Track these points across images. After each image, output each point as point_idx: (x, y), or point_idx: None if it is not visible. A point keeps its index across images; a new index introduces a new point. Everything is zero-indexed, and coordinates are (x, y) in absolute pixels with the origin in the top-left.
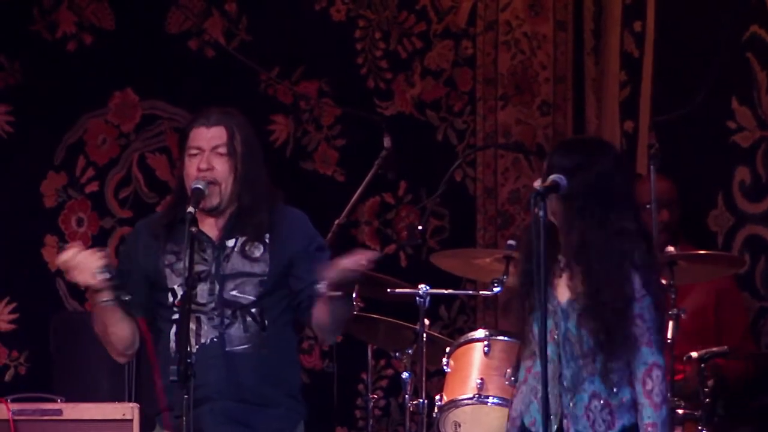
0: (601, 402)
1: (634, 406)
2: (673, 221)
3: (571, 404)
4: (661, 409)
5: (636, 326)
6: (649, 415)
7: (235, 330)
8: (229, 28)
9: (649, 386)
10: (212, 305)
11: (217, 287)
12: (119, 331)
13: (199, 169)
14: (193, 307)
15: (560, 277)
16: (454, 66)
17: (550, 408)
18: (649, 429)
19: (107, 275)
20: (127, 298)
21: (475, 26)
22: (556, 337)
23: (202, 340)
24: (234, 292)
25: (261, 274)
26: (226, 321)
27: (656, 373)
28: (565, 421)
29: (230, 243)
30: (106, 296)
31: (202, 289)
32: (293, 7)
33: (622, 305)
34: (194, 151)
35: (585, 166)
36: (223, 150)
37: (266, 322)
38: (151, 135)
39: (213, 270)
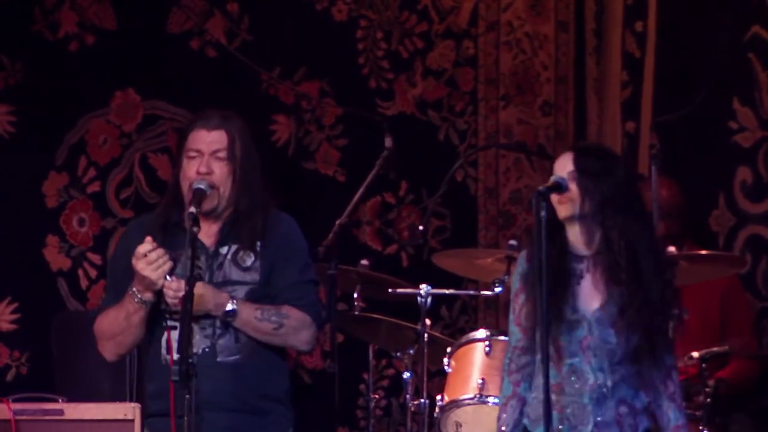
0: (628, 407)
1: (648, 409)
2: (677, 230)
3: (601, 412)
4: (682, 410)
5: (659, 331)
6: (677, 417)
7: (226, 340)
8: (231, 28)
9: (671, 389)
10: (203, 314)
11: None
12: (138, 332)
13: (198, 173)
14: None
15: (578, 285)
16: (456, 66)
17: (576, 419)
18: (682, 430)
19: (168, 280)
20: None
21: (476, 26)
22: (586, 346)
23: (194, 350)
24: None
25: (252, 282)
26: (218, 331)
27: (674, 374)
28: (595, 430)
29: (223, 251)
30: (148, 296)
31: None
32: (295, 7)
33: (665, 307)
34: (193, 154)
35: (615, 167)
36: (223, 155)
37: None
38: (152, 135)
39: (206, 278)
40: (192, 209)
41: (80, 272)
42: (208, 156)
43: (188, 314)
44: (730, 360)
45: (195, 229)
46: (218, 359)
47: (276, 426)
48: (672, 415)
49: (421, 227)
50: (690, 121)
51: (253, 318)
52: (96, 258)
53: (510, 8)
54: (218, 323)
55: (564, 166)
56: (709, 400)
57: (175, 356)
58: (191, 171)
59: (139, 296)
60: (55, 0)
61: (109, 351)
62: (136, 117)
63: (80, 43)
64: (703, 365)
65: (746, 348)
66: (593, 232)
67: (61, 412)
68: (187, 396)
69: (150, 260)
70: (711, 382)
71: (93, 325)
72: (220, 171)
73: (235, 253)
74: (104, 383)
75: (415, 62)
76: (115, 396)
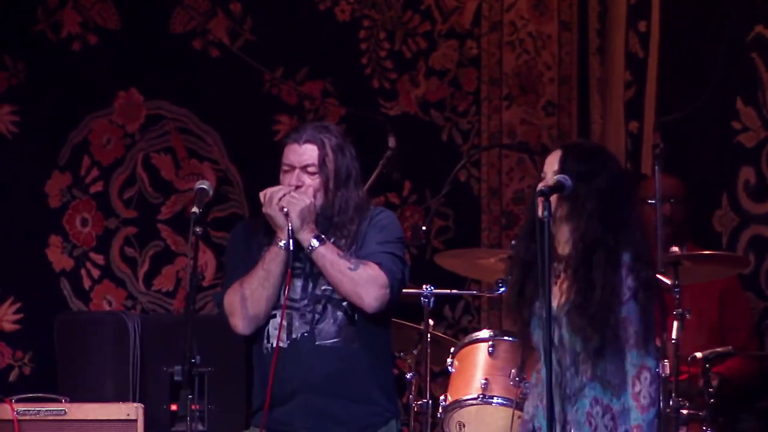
0: (603, 407)
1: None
2: (678, 217)
3: (573, 411)
4: (648, 411)
5: (623, 329)
6: (635, 418)
7: (325, 324)
8: (234, 28)
9: (637, 388)
10: (305, 302)
11: (310, 284)
12: (276, 283)
13: (289, 185)
14: (288, 303)
15: (555, 284)
16: (459, 66)
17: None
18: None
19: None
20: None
21: (479, 26)
22: (555, 343)
23: (294, 335)
24: (325, 287)
25: None
26: (317, 316)
27: (645, 375)
28: (568, 427)
29: (320, 241)
30: (283, 237)
31: (296, 286)
32: (297, 7)
33: (611, 303)
34: (286, 168)
35: (599, 171)
36: (313, 169)
37: (356, 316)
38: (155, 135)
39: (307, 268)
40: (194, 209)
41: (83, 272)
42: (299, 170)
43: (191, 314)
44: (732, 359)
45: (197, 229)
46: (316, 343)
47: (375, 416)
48: (632, 414)
49: (424, 227)
50: (693, 120)
51: (335, 253)
52: (99, 258)
53: (513, 8)
54: (318, 308)
55: (551, 164)
56: (712, 400)
57: (281, 342)
58: (284, 184)
59: (278, 243)
60: (58, 0)
61: (243, 317)
62: (139, 117)
63: (83, 43)
64: (707, 365)
65: (747, 347)
66: (571, 233)
67: (63, 412)
68: (190, 396)
69: (268, 202)
70: (714, 383)
71: (223, 304)
72: (310, 183)
73: (334, 243)
74: (107, 383)
75: (418, 62)
76: (118, 396)
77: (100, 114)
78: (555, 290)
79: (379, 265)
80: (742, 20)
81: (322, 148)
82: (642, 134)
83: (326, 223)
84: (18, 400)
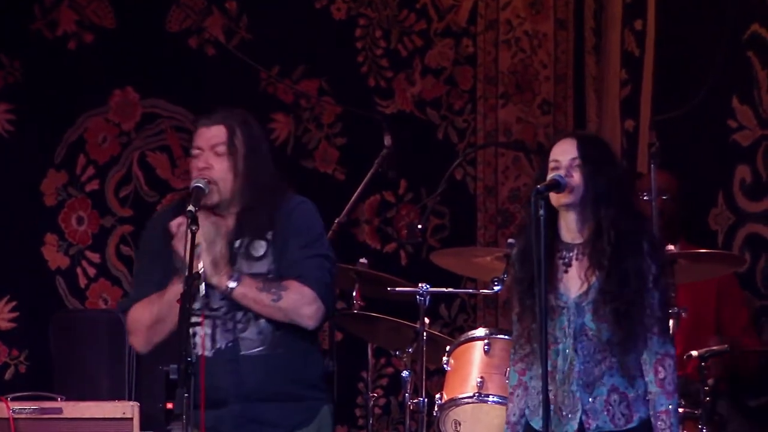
0: (620, 395)
1: (646, 398)
2: (669, 212)
3: (590, 400)
4: (674, 397)
5: (647, 316)
6: (662, 403)
7: (249, 333)
8: (230, 27)
9: (661, 375)
10: (224, 309)
11: None
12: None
13: (198, 169)
14: (207, 312)
15: (566, 272)
16: (455, 64)
17: (566, 407)
18: (663, 416)
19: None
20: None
21: (475, 25)
22: (569, 333)
23: (218, 345)
24: None
25: (266, 272)
26: (239, 326)
27: (668, 362)
28: (584, 418)
29: (236, 245)
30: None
31: (214, 294)
32: (294, 5)
33: (642, 292)
34: (196, 151)
35: (610, 158)
36: (222, 149)
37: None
38: (151, 133)
39: None
40: (190, 207)
41: (79, 271)
42: (207, 151)
43: (187, 313)
44: (736, 355)
45: (193, 227)
46: (242, 353)
47: (307, 411)
48: (658, 400)
49: (420, 226)
50: (689, 119)
51: (254, 288)
52: (95, 256)
53: (509, 6)
54: (238, 316)
55: (565, 152)
56: (708, 398)
57: (206, 351)
58: (194, 168)
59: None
60: None
61: (144, 340)
62: (135, 115)
63: (79, 42)
64: (702, 364)
65: (744, 344)
66: (586, 220)
67: (59, 410)
68: (186, 395)
69: (179, 235)
70: (710, 381)
71: (126, 316)
72: (219, 165)
73: (247, 245)
74: (103, 382)
75: (414, 61)
76: (114, 394)
77: (95, 112)
78: (568, 279)
79: (301, 279)
80: (738, 19)
81: (230, 128)
82: (638, 133)
83: (238, 206)
84: (14, 399)
